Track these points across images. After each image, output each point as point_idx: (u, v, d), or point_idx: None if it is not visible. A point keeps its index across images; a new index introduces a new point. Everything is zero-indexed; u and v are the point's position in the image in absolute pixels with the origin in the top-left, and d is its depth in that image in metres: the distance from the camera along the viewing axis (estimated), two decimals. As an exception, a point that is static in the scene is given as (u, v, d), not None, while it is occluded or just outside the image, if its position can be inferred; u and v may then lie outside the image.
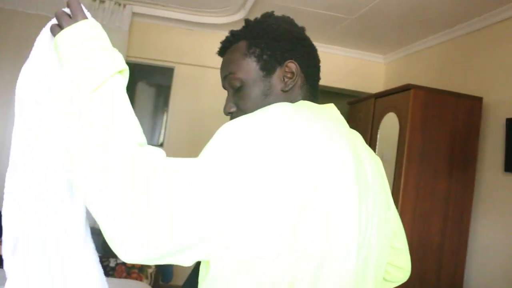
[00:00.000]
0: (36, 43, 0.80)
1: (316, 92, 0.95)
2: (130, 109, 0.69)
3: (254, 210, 0.64)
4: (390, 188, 2.80)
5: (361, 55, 4.40)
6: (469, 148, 2.87)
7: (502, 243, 2.70)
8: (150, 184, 0.60)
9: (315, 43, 0.98)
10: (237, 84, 0.90)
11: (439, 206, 2.80)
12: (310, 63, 0.93)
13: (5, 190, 0.78)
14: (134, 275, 2.98)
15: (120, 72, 0.71)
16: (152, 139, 4.37)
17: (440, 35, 3.54)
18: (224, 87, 0.95)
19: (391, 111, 3.02)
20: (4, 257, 0.79)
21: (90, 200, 0.62)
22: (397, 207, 2.74)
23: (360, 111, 3.37)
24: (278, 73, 0.90)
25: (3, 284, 2.35)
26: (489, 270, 2.76)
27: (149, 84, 4.54)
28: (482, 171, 2.90)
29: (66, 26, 0.72)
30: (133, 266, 3.02)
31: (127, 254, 0.61)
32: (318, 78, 0.96)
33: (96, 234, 3.56)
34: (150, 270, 3.06)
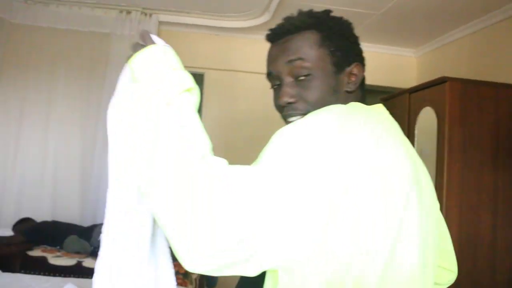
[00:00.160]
0: (120, 77, 0.88)
1: (365, 95, 0.96)
2: (192, 123, 0.71)
3: (293, 214, 0.65)
4: (433, 184, 2.72)
5: (390, 50, 4.33)
6: (514, 137, 2.76)
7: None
8: (204, 194, 0.62)
9: (343, 42, 0.97)
10: (304, 72, 0.87)
11: (487, 200, 2.70)
12: (364, 68, 0.95)
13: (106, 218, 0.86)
14: (179, 281, 2.99)
15: (188, 90, 0.76)
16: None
17: (472, 24, 3.43)
18: (277, 75, 0.90)
19: (427, 106, 2.94)
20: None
21: (161, 208, 0.65)
22: (441, 203, 2.64)
23: (395, 107, 3.29)
24: (345, 72, 0.90)
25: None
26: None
27: (180, 92, 4.57)
28: (528, 161, 2.77)
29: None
30: (178, 272, 3.02)
31: (184, 263, 0.63)
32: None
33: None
34: (194, 276, 3.07)
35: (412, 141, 3.09)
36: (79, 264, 3.01)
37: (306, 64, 0.86)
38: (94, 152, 3.83)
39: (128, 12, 3.92)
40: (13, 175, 3.76)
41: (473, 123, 2.72)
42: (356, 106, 0.82)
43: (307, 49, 0.87)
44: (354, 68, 0.91)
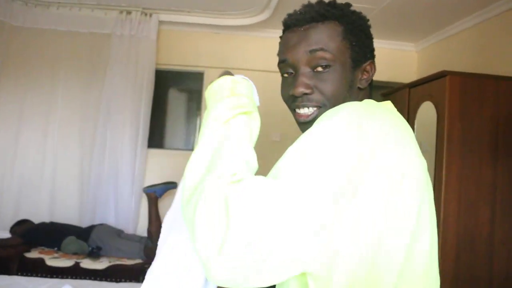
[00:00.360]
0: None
1: (372, 93, 0.96)
2: (237, 143, 0.73)
3: (302, 219, 0.64)
4: (432, 178, 2.73)
5: (391, 44, 4.32)
6: (513, 131, 2.75)
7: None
8: (221, 203, 0.63)
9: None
10: (324, 63, 0.84)
11: (486, 195, 2.69)
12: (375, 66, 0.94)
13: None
14: None
15: (245, 113, 0.78)
16: (187, 144, 4.42)
17: (472, 17, 3.42)
18: (293, 63, 0.87)
19: (427, 100, 2.93)
20: None
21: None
22: (440, 197, 2.66)
23: (395, 102, 3.24)
24: (361, 69, 0.89)
25: None
26: (543, 258, 2.64)
27: (180, 90, 4.58)
28: (528, 155, 2.77)
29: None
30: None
31: (206, 274, 0.64)
32: None
33: (137, 241, 3.65)
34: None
35: (412, 136, 3.08)
36: (77, 265, 3.03)
37: (328, 55, 0.83)
38: (93, 154, 3.86)
39: (129, 13, 3.94)
40: (12, 176, 3.80)
41: (472, 117, 2.70)
42: (371, 104, 0.80)
43: (330, 40, 0.84)
44: (368, 66, 0.90)
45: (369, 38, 0.91)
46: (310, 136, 0.71)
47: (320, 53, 0.84)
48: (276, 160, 0.72)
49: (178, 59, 4.19)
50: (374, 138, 0.69)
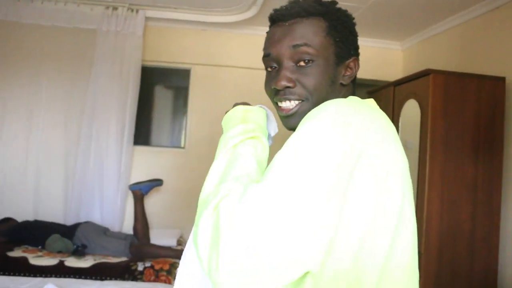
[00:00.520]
0: None
1: (355, 89, 0.97)
2: (241, 163, 0.75)
3: (295, 220, 0.65)
4: (415, 176, 2.77)
5: (377, 43, 4.35)
6: (494, 130, 2.80)
7: (535, 225, 2.63)
8: (219, 213, 0.65)
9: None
10: (307, 58, 0.85)
11: (467, 192, 2.74)
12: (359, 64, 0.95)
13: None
14: (163, 278, 3.01)
15: (252, 138, 0.82)
16: (173, 141, 4.40)
17: (456, 17, 3.46)
18: (276, 57, 0.88)
19: (412, 98, 2.97)
20: None
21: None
22: (423, 195, 2.70)
23: (380, 100, 3.32)
24: (344, 65, 0.91)
25: None
26: (523, 254, 2.70)
27: (167, 87, 4.56)
28: (509, 153, 2.82)
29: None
30: (161, 269, 3.05)
31: (209, 277, 0.65)
32: None
33: (123, 239, 3.63)
34: (178, 273, 3.08)
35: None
36: (61, 263, 3.00)
37: (311, 50, 0.85)
38: (78, 151, 3.82)
39: (115, 8, 3.90)
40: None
41: (455, 115, 2.74)
42: (356, 101, 0.82)
43: (314, 36, 0.86)
44: (351, 62, 0.91)
45: (354, 36, 0.93)
46: (298, 137, 0.71)
47: (303, 48, 0.85)
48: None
49: (165, 56, 4.17)
50: (359, 135, 0.70)
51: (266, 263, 0.62)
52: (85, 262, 3.04)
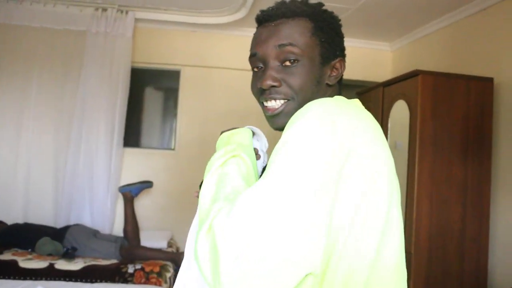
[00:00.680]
0: None
1: (342, 90, 0.98)
2: (226, 181, 0.77)
3: (283, 225, 0.65)
4: (405, 177, 2.78)
5: (366, 44, 4.37)
6: (483, 131, 2.83)
7: (523, 224, 2.66)
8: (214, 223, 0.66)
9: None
10: (292, 57, 0.86)
11: (457, 192, 2.76)
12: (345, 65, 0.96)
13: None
14: (153, 280, 2.99)
15: (234, 156, 0.83)
16: (163, 143, 4.39)
17: (445, 18, 3.49)
18: (262, 57, 0.89)
19: (401, 99, 2.99)
20: None
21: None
22: (412, 195, 2.72)
23: (369, 100, 3.34)
24: (329, 65, 0.91)
25: None
26: None
27: (157, 88, 4.55)
28: (498, 153, 2.85)
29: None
30: (152, 271, 3.03)
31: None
32: None
33: (113, 241, 3.61)
34: (168, 275, 3.07)
35: (386, 134, 3.12)
36: (51, 266, 2.98)
37: (296, 50, 0.86)
38: (68, 153, 3.80)
39: (104, 10, 3.88)
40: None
41: (444, 116, 2.76)
42: (342, 100, 0.82)
43: (299, 36, 0.87)
44: (337, 63, 0.92)
45: (339, 37, 0.94)
46: (287, 137, 0.72)
47: (288, 48, 0.86)
48: None
49: (155, 57, 4.15)
50: (348, 134, 0.71)
51: (266, 269, 0.62)
52: (75, 265, 3.02)
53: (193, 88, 4.21)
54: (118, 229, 3.84)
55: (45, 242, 3.24)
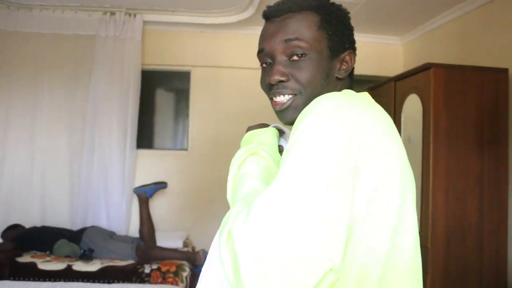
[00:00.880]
0: None
1: (353, 84, 0.96)
2: (245, 181, 0.79)
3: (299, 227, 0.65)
4: (419, 171, 2.76)
5: (376, 39, 4.33)
6: (498, 122, 2.78)
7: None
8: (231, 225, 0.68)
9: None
10: (299, 51, 0.86)
11: (473, 185, 2.72)
12: (355, 58, 0.95)
13: None
14: (170, 280, 3.01)
15: (252, 154, 0.86)
16: (176, 144, 4.41)
17: (456, 9, 3.44)
18: (270, 53, 0.89)
19: (413, 93, 2.96)
20: None
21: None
22: (428, 189, 2.69)
23: (381, 95, 3.31)
24: (339, 59, 0.91)
25: None
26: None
27: (168, 89, 4.57)
28: (514, 144, 2.81)
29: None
30: (168, 270, 3.05)
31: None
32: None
33: (130, 242, 3.64)
34: (185, 274, 3.09)
35: (399, 129, 3.10)
36: (69, 268, 3.03)
37: (303, 44, 0.85)
38: (82, 156, 3.83)
39: (112, 13, 3.91)
40: (1, 182, 3.76)
41: (458, 108, 2.73)
42: (351, 94, 0.81)
43: (306, 30, 0.86)
44: (347, 56, 0.91)
45: (348, 29, 0.93)
46: (299, 134, 0.71)
47: (295, 42, 0.86)
48: None
49: (164, 59, 4.17)
50: (358, 127, 0.70)
51: (285, 267, 0.62)
52: (93, 266, 3.06)
53: (204, 88, 4.22)
54: (134, 230, 3.87)
55: (62, 245, 3.29)
